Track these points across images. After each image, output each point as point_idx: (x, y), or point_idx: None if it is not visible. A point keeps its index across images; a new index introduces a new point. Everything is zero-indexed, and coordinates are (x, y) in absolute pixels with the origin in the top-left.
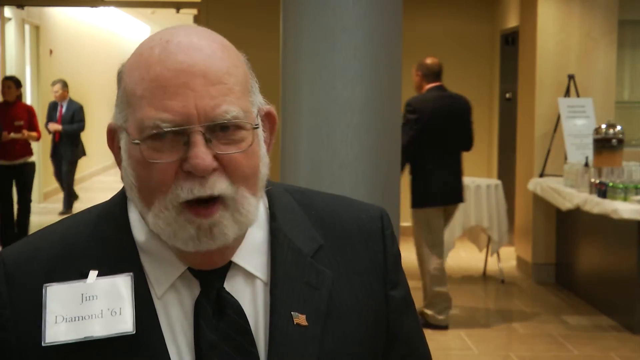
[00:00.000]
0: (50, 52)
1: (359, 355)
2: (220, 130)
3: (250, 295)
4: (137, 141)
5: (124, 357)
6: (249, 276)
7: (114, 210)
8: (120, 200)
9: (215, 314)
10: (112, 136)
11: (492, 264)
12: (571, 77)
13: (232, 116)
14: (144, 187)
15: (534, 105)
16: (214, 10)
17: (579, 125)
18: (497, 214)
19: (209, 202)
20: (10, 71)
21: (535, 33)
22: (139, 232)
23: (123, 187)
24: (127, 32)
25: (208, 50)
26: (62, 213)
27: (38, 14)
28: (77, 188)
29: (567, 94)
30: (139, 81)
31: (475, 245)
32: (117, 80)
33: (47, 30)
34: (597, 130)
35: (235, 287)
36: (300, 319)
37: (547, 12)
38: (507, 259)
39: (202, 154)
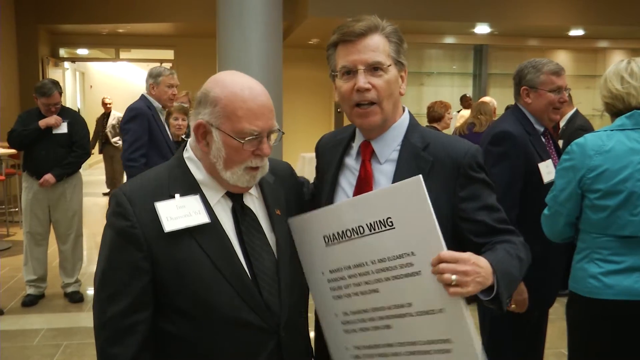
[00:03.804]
0: (91, 87)
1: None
2: (271, 133)
3: (253, 205)
4: (241, 141)
5: (204, 235)
6: (251, 196)
7: (178, 163)
8: (179, 159)
9: (241, 213)
10: (200, 127)
11: None
12: None
13: (277, 127)
14: (231, 159)
15: None
16: (182, 63)
17: None
18: None
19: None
20: (69, 100)
21: None
22: (197, 174)
23: (178, 153)
24: (133, 75)
25: (266, 93)
26: None
27: (83, 65)
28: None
29: None
30: (238, 108)
31: None
32: (206, 97)
33: (89, 74)
34: None
35: (247, 200)
36: (278, 211)
37: None
38: None
39: (268, 147)
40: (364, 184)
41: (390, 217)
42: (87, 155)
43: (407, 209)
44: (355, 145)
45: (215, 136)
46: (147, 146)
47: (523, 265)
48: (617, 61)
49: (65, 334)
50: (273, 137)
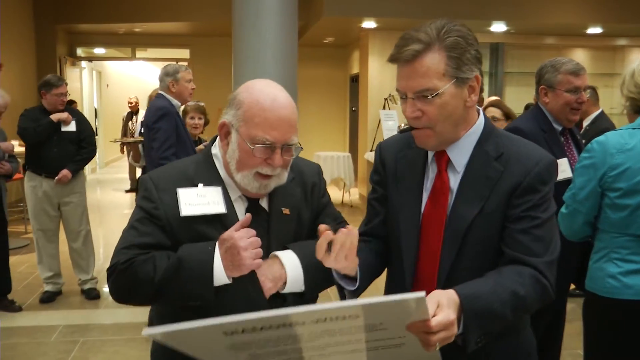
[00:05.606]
0: (107, 86)
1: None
2: (287, 146)
3: (266, 204)
4: (251, 147)
5: (219, 224)
6: (265, 198)
7: (205, 158)
8: (207, 154)
9: (255, 213)
10: (224, 127)
11: (346, 197)
12: (386, 99)
13: (295, 142)
14: (243, 162)
15: (367, 114)
16: (197, 62)
17: (390, 124)
18: (348, 170)
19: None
20: (86, 99)
21: (367, 75)
22: (221, 171)
23: (207, 148)
24: (148, 74)
25: (290, 107)
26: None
27: (100, 64)
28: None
29: (384, 108)
30: (256, 115)
31: (337, 187)
32: (234, 99)
33: (105, 73)
34: (399, 127)
35: (262, 201)
36: (287, 211)
37: (373, 64)
38: (354, 193)
39: (280, 159)
40: (439, 195)
41: (358, 315)
42: (95, 151)
43: (386, 312)
44: (430, 153)
45: (233, 137)
46: (175, 144)
47: (519, 302)
48: (636, 58)
49: (82, 331)
50: (291, 149)
